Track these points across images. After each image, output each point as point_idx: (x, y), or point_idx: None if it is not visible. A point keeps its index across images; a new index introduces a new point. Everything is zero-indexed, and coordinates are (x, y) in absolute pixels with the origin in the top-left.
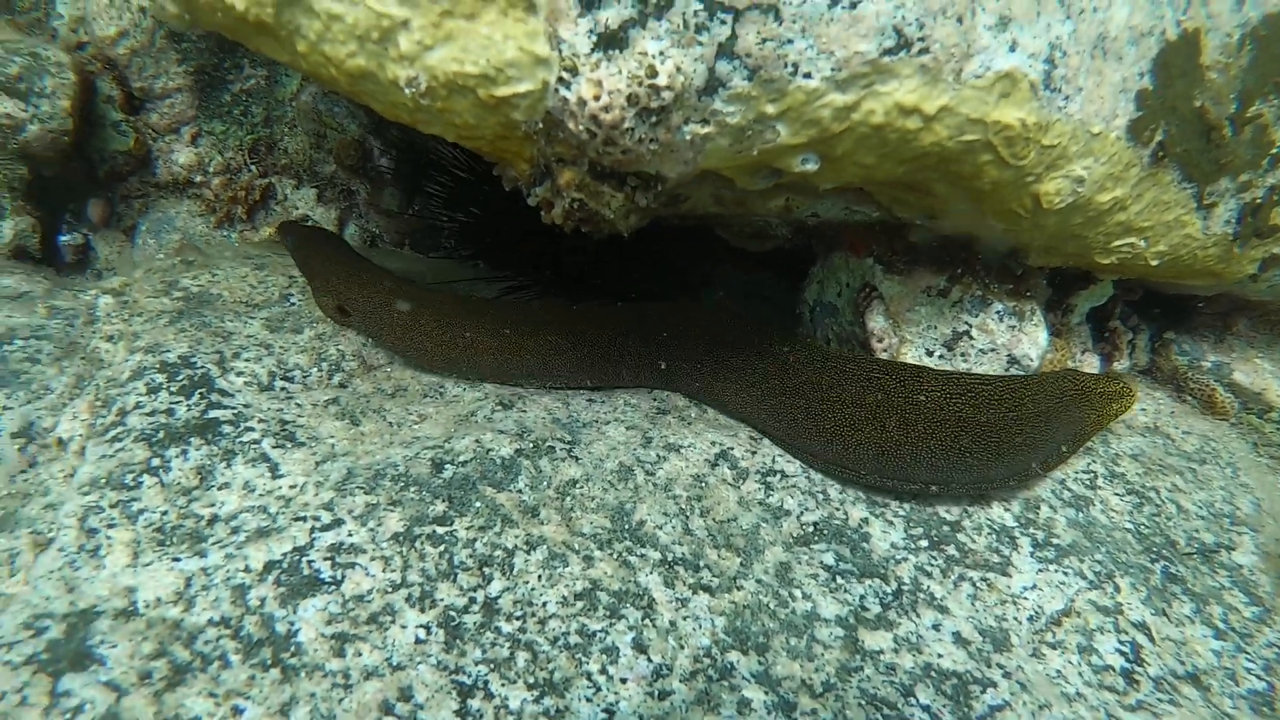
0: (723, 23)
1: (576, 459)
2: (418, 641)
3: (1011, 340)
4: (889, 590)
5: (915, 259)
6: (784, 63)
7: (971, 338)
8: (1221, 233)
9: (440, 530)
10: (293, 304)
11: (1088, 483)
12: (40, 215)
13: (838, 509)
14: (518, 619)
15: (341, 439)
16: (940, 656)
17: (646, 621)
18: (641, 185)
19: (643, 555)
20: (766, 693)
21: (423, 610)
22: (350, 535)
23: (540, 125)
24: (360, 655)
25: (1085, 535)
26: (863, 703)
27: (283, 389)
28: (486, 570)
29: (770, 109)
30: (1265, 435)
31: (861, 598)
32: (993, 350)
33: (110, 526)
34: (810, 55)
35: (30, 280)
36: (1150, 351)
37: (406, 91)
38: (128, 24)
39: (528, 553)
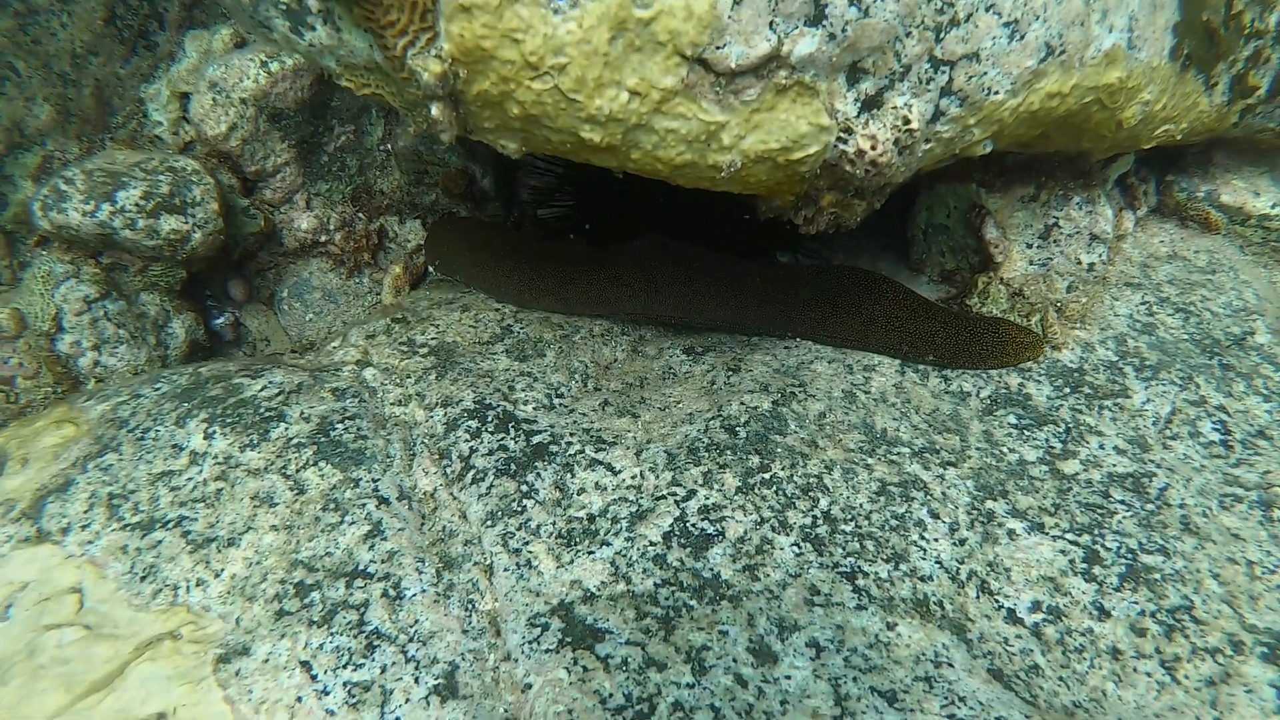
0: (943, 72)
1: (813, 396)
2: (797, 554)
3: (1090, 222)
4: (1060, 430)
5: (1010, 178)
6: (981, 88)
7: (1060, 227)
8: (1220, 102)
9: (766, 476)
10: (515, 333)
11: (1147, 311)
12: (195, 308)
13: (1000, 382)
14: (850, 520)
15: (636, 431)
16: (1115, 465)
17: (927, 497)
18: (878, 192)
19: (899, 452)
20: (1021, 522)
21: (787, 534)
22: (707, 498)
23: (818, 170)
24: (768, 575)
25: (1163, 352)
26: (1083, 508)
27: (562, 405)
28: (811, 494)
29: (971, 121)
30: (1248, 237)
31: (1046, 440)
32: (1077, 232)
33: (526, 544)
34: (997, 78)
35: (294, 374)
36: (1158, 194)
37: (723, 173)
38: (235, 118)
39: (829, 473)
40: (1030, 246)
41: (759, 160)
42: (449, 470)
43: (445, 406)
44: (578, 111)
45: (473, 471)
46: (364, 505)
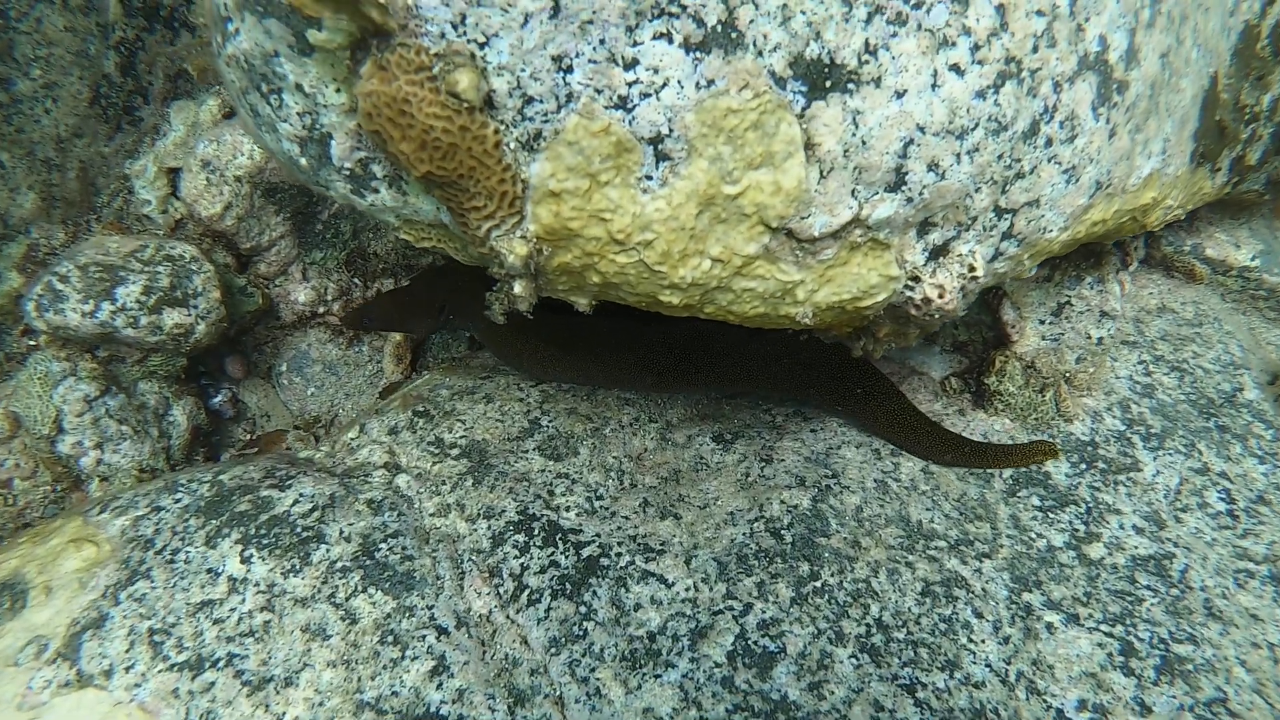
0: (1006, 219)
1: (848, 488)
2: (856, 667)
3: (1101, 300)
4: (1082, 511)
5: None
6: (1038, 229)
7: (1072, 305)
8: (1221, 182)
9: (817, 584)
10: (545, 427)
11: (1145, 372)
12: (194, 390)
13: None
14: (902, 626)
15: (681, 535)
16: (1136, 547)
17: (969, 595)
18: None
19: (937, 546)
20: (1057, 614)
21: (844, 645)
22: (764, 612)
23: (881, 312)
24: (833, 692)
25: (1165, 417)
26: (1112, 596)
27: (603, 508)
28: (862, 600)
29: (1025, 257)
30: (1228, 287)
31: (1070, 522)
32: (1088, 310)
33: (593, 670)
34: (1053, 218)
35: (323, 483)
36: (1145, 247)
37: (801, 320)
38: (230, 196)
39: (876, 575)
40: (1043, 323)
41: (829, 309)
42: (502, 591)
43: (488, 518)
44: (660, 280)
45: (528, 592)
46: (424, 637)
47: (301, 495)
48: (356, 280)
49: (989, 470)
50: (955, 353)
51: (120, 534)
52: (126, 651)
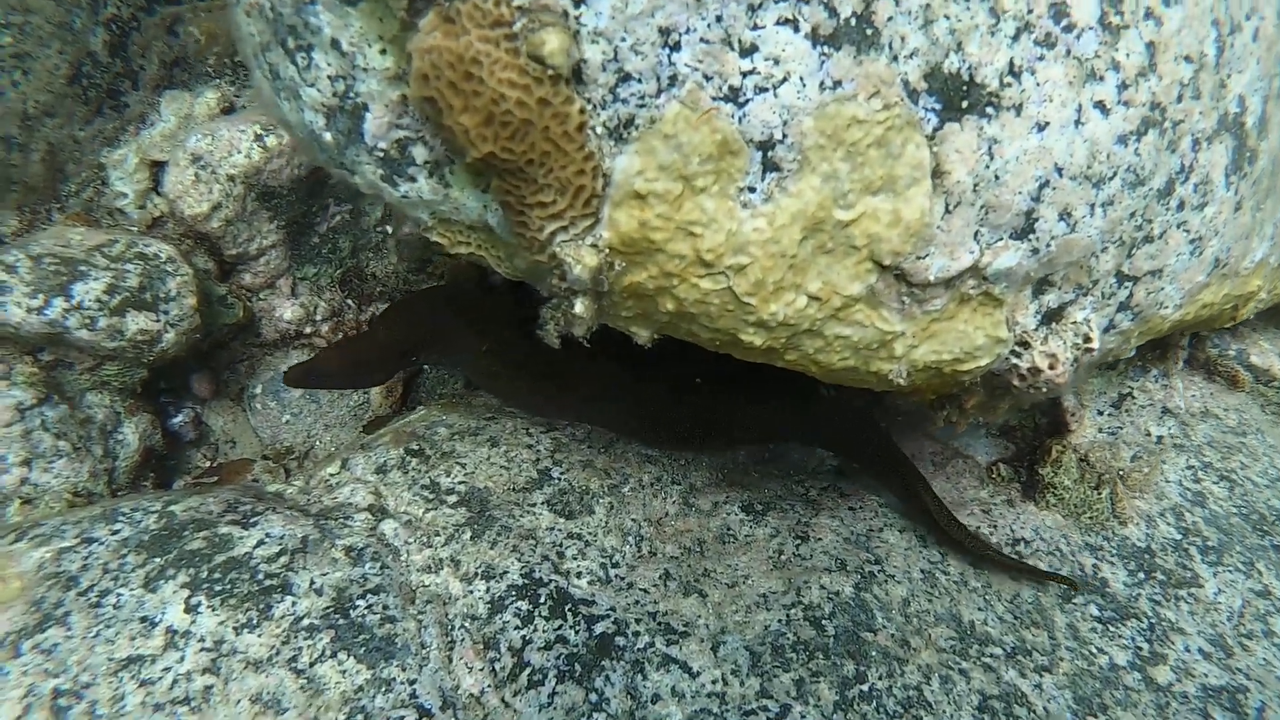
0: (1126, 287)
1: (893, 577)
2: None
3: (1165, 395)
4: (1144, 626)
5: None
6: (1155, 303)
7: (1134, 398)
8: None
9: (864, 688)
10: (556, 479)
11: (1194, 479)
12: (151, 407)
13: (1074, 561)
14: None
15: (707, 616)
16: (1206, 676)
17: (1031, 715)
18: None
19: (993, 654)
20: None
21: None
22: (804, 716)
23: (978, 380)
24: None
25: (1220, 531)
26: None
27: (619, 577)
28: (914, 711)
29: (1135, 333)
30: (1269, 398)
31: (1133, 639)
32: (1150, 405)
33: None
34: (1171, 293)
35: (294, 523)
36: (1190, 346)
37: (893, 380)
38: (219, 196)
39: (928, 683)
40: (1101, 414)
41: (925, 370)
42: (498, 667)
43: (487, 579)
44: (746, 314)
45: (529, 671)
46: (402, 719)
47: (268, 536)
48: (350, 302)
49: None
50: (1002, 437)
51: (36, 569)
52: (19, 719)
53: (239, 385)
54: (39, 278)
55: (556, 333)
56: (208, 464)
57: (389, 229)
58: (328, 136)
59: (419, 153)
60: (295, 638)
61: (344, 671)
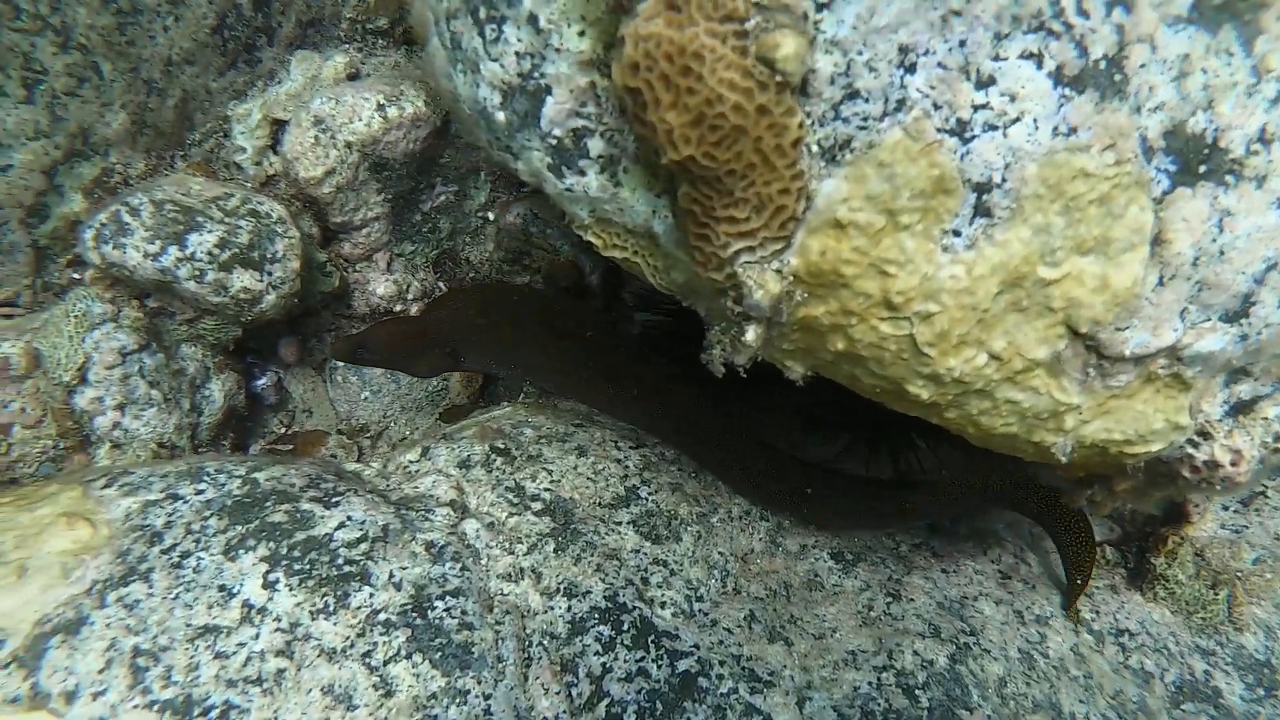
0: None
1: (989, 652)
2: None
3: None
4: None
5: None
6: None
7: (1266, 497)
8: None
9: None
10: (643, 499)
11: None
12: (238, 367)
13: (1183, 664)
14: None
15: (792, 667)
16: None
17: None
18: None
19: None
20: None
21: None
22: None
23: (1140, 465)
24: None
25: None
26: None
27: (701, 612)
28: None
29: None
30: None
31: None
32: None
33: None
34: None
35: (376, 509)
36: None
37: (1055, 454)
38: (334, 162)
39: None
40: (1227, 509)
41: (1091, 447)
42: (575, 693)
43: (569, 597)
44: (921, 365)
45: (607, 702)
46: None
47: (349, 519)
48: (442, 284)
49: (1144, 668)
50: (1108, 517)
51: (124, 518)
52: (100, 672)
53: (323, 355)
54: (159, 224)
55: (722, 359)
56: (283, 430)
57: (490, 215)
58: (500, 116)
59: (594, 145)
60: (371, 631)
61: (418, 675)
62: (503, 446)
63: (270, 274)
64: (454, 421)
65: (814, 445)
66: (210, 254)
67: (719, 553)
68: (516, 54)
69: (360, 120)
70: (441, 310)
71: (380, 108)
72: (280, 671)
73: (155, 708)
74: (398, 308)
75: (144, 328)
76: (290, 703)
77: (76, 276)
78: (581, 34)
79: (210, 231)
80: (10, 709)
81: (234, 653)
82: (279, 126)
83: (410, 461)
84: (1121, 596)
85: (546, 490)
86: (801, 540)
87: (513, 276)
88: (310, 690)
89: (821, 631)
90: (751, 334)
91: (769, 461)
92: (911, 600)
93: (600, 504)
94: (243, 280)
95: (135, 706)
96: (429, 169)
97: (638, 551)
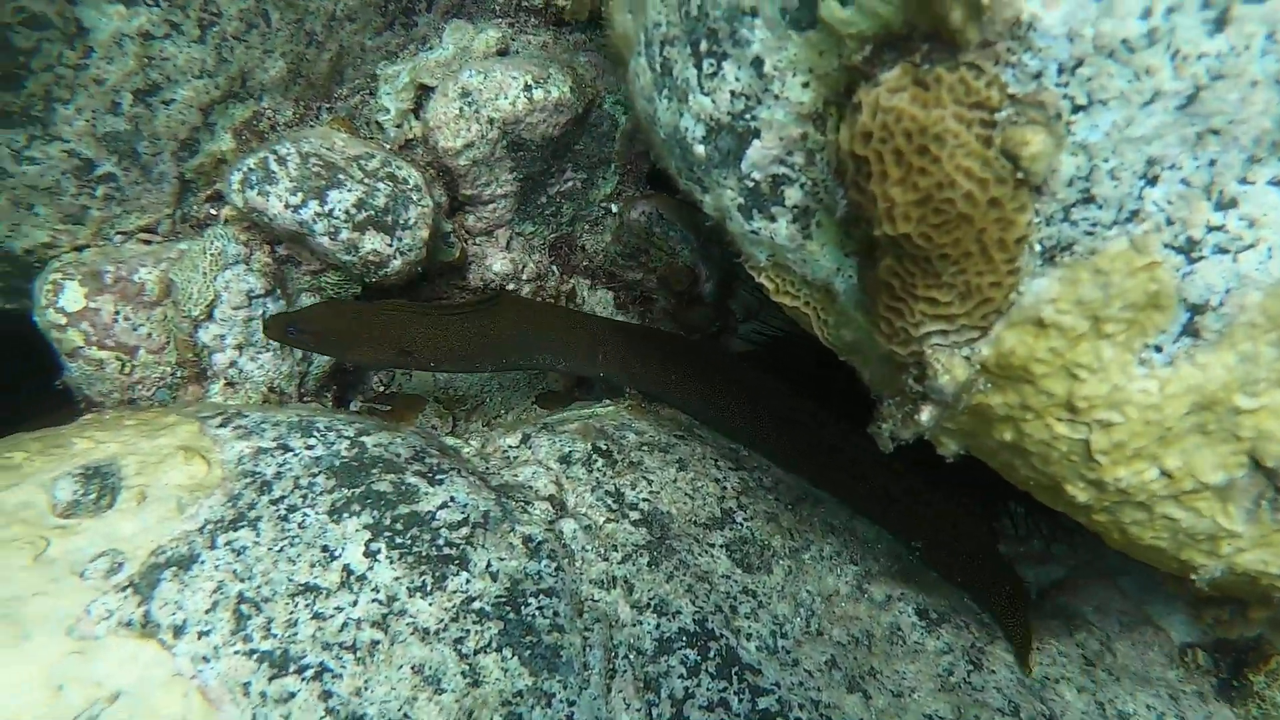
0: None
1: None
2: None
3: None
4: None
5: None
6: None
7: None
8: None
9: None
10: (738, 524)
11: None
12: None
13: None
14: None
15: None
16: None
17: None
18: None
19: None
20: None
21: None
22: None
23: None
24: None
25: None
26: None
27: (784, 649)
28: None
29: None
30: None
31: None
32: None
33: None
34: None
35: (478, 492)
36: None
37: (1200, 575)
38: (474, 136)
39: None
40: None
41: (1238, 575)
42: (655, 713)
43: (659, 614)
44: (1087, 470)
45: None
46: None
47: (452, 499)
48: (555, 268)
49: None
50: (1196, 622)
51: (236, 461)
52: (206, 612)
53: None
54: (303, 176)
55: (890, 433)
56: (382, 389)
57: (614, 208)
58: (700, 149)
59: (792, 194)
60: (464, 618)
61: (506, 670)
62: (605, 448)
63: (400, 240)
64: (550, 408)
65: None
66: (347, 213)
67: (807, 591)
68: (732, 93)
69: (506, 98)
70: (397, 314)
71: (527, 88)
72: (375, 643)
73: (254, 657)
74: (510, 285)
75: (271, 274)
76: (380, 675)
77: (213, 212)
78: (805, 85)
79: (350, 190)
80: (125, 632)
81: (331, 616)
82: (424, 92)
83: (510, 446)
84: (1209, 706)
85: (645, 500)
86: (887, 590)
87: (626, 271)
88: (401, 666)
89: (900, 689)
90: (926, 414)
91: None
92: (993, 672)
93: (695, 522)
94: (373, 243)
95: (236, 652)
96: (562, 154)
97: (728, 577)
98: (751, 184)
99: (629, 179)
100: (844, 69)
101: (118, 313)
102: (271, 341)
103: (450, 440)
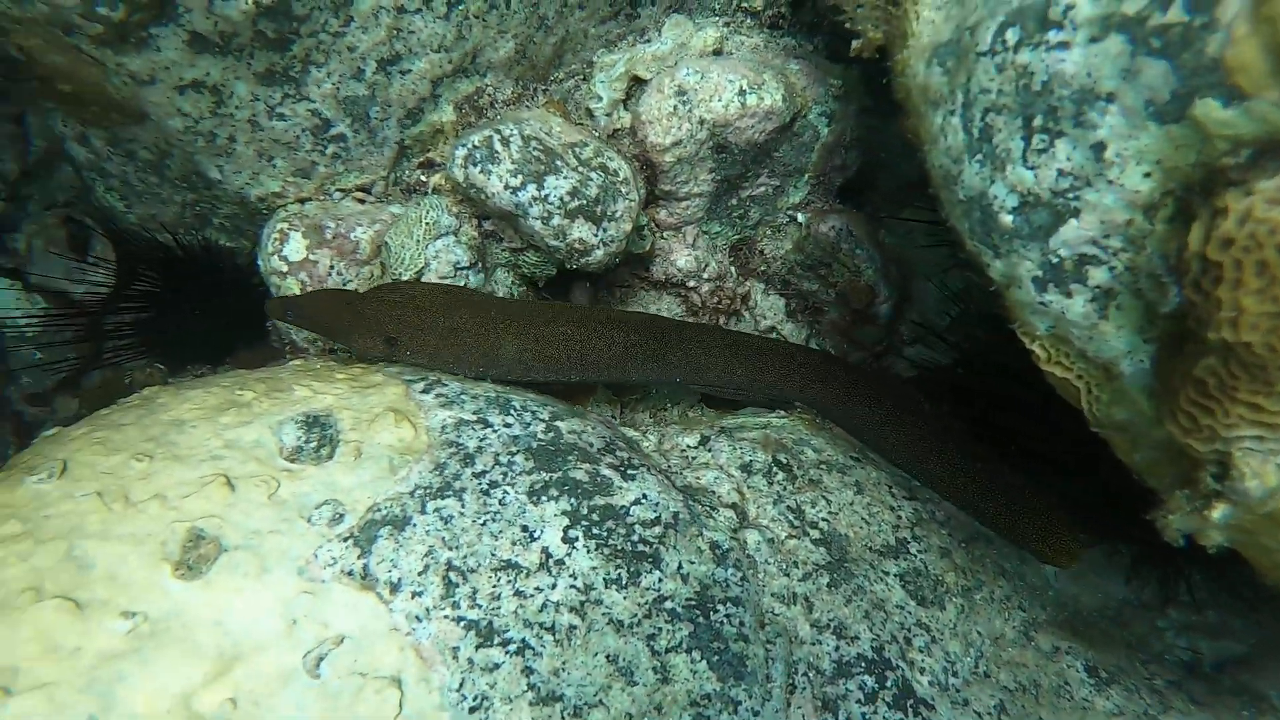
0: None
1: None
2: None
3: None
4: None
5: None
6: None
7: None
8: None
9: None
10: (912, 554)
11: None
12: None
13: None
14: None
15: None
16: None
17: None
18: None
19: None
20: None
21: None
22: None
23: None
24: None
25: None
26: None
27: (955, 689)
28: None
29: None
30: None
31: None
32: None
33: None
34: None
35: (667, 493)
36: None
37: None
38: (684, 134)
39: None
40: None
41: None
42: None
43: (838, 636)
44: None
45: None
46: None
47: (645, 497)
48: (733, 269)
49: None
50: None
51: (440, 430)
52: (419, 575)
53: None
54: (524, 160)
55: (1177, 525)
56: None
57: (799, 217)
58: (1006, 218)
59: (1096, 275)
60: (656, 615)
61: (694, 672)
62: (785, 461)
63: (605, 230)
64: (718, 410)
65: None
66: (561, 200)
67: (978, 631)
68: (1059, 171)
69: (720, 101)
70: (387, 307)
71: (742, 93)
72: (572, 627)
73: (462, 624)
74: (690, 282)
75: (476, 247)
76: (577, 659)
77: (423, 179)
78: (1146, 175)
79: (566, 178)
80: (347, 581)
81: (532, 595)
82: (637, 84)
83: (689, 446)
84: None
85: (824, 520)
86: (1055, 641)
87: (802, 280)
88: (597, 654)
89: None
90: (1220, 513)
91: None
92: None
93: (870, 548)
94: (581, 231)
95: (445, 617)
96: (761, 159)
97: (902, 608)
98: (1055, 260)
99: (818, 190)
100: (1202, 167)
101: (332, 267)
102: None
103: (630, 433)
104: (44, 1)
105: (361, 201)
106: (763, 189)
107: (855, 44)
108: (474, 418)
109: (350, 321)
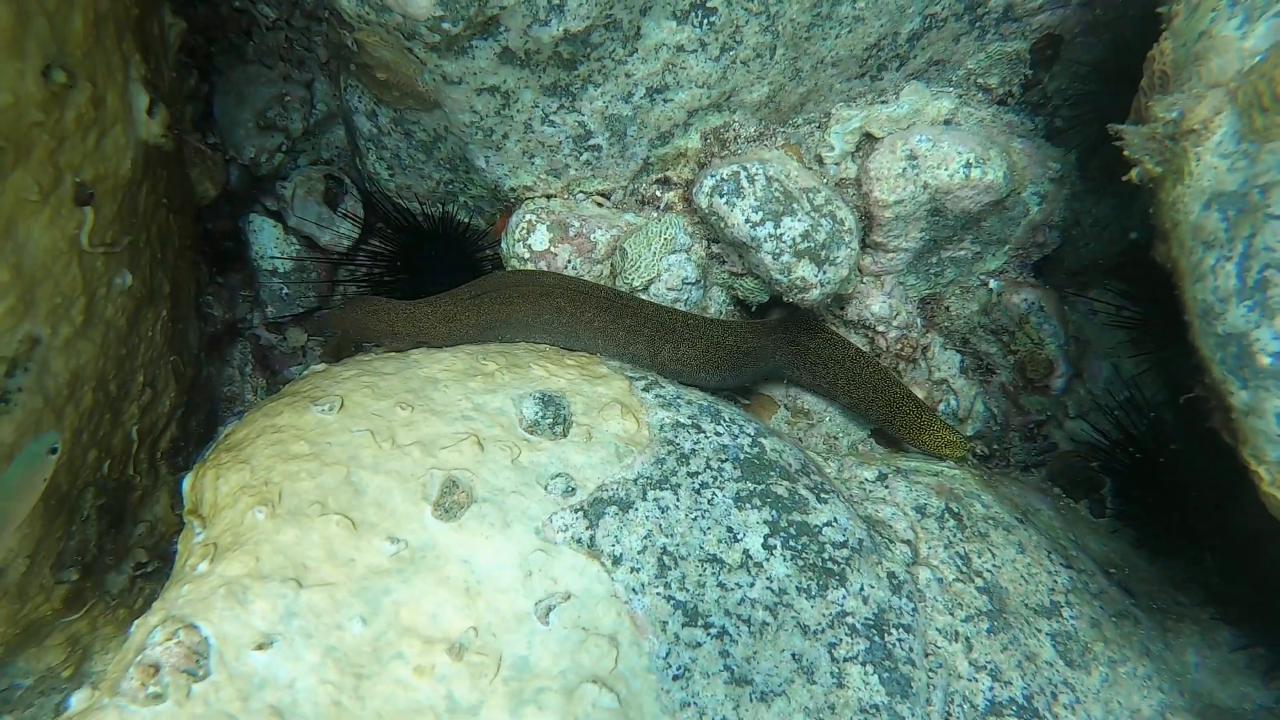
0: None
1: None
2: None
3: None
4: None
5: None
6: None
7: None
8: None
9: None
10: (1065, 620)
11: None
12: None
13: None
14: None
15: None
16: None
17: None
18: None
19: None
20: None
21: None
22: None
23: None
24: None
25: None
26: None
27: None
28: None
29: None
30: None
31: None
32: None
33: None
34: None
35: (854, 520)
36: None
37: None
38: (906, 195)
39: None
40: None
41: None
42: None
43: (993, 678)
44: None
45: None
46: None
47: (835, 520)
48: (919, 320)
49: None
50: None
51: (659, 428)
52: (639, 553)
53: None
54: (766, 199)
55: None
56: None
57: (992, 284)
58: (1266, 359)
59: None
60: (838, 627)
61: (866, 683)
62: (956, 510)
63: (825, 274)
64: (886, 444)
65: None
66: (793, 241)
67: (1118, 702)
68: None
69: (946, 170)
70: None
71: (968, 165)
72: (765, 623)
73: (671, 603)
74: (879, 327)
75: (702, 266)
76: (767, 652)
77: (657, 194)
78: None
79: (800, 220)
80: (576, 547)
81: (732, 589)
82: (868, 139)
83: (867, 479)
84: None
85: (988, 571)
86: None
87: (982, 341)
88: (784, 650)
89: None
90: None
91: None
92: None
93: (1027, 604)
94: (804, 271)
95: (658, 594)
96: (970, 227)
97: (1052, 665)
98: None
99: (1014, 262)
100: None
101: (569, 262)
102: None
103: (814, 457)
104: (400, 13)
105: (600, 205)
106: (963, 252)
107: (1133, 173)
108: (689, 422)
109: (375, 330)
